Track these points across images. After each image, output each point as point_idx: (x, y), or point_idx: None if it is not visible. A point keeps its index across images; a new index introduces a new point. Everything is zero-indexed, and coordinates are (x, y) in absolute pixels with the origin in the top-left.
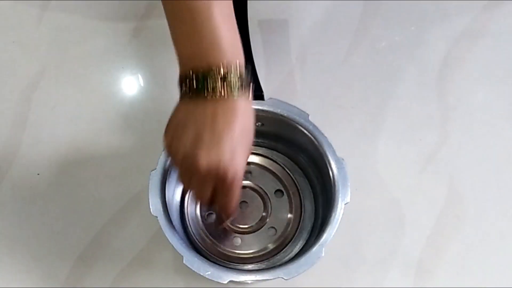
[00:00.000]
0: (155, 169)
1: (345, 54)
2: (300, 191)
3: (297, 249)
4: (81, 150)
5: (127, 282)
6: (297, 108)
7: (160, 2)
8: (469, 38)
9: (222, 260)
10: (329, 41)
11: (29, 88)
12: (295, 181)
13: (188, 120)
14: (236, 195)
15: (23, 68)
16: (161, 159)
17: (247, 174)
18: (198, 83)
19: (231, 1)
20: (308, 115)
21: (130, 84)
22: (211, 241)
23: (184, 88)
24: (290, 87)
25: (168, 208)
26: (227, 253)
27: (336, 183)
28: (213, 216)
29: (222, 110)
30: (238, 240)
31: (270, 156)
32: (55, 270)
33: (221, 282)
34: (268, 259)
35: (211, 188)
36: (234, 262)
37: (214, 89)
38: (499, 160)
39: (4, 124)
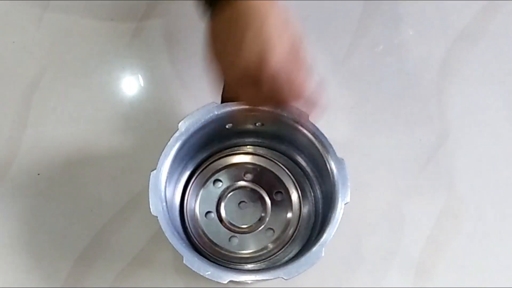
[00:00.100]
0: (155, 169)
1: (344, 55)
2: (299, 191)
3: (297, 249)
4: (82, 150)
5: (127, 282)
6: (297, 108)
7: (160, 3)
8: (469, 38)
9: (222, 260)
10: (329, 41)
11: (29, 88)
12: (295, 181)
13: (230, 27)
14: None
15: (23, 68)
16: (161, 159)
17: (247, 174)
18: None
19: None
20: (308, 115)
21: (130, 84)
22: (210, 241)
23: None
24: None
25: (168, 208)
26: (226, 253)
27: (336, 183)
28: (212, 215)
29: (253, 7)
30: (236, 240)
31: (270, 156)
32: (55, 270)
33: (221, 282)
34: (268, 259)
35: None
36: (233, 262)
37: None
38: (499, 160)
39: (4, 124)
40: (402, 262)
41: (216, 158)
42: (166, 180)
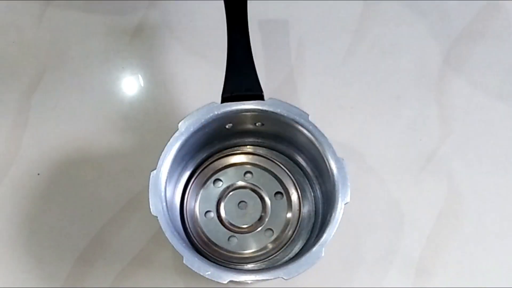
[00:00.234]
0: (155, 169)
1: (345, 54)
2: (299, 191)
3: (297, 249)
4: (81, 150)
5: (127, 282)
6: (297, 108)
7: (160, 2)
8: (469, 38)
9: (222, 260)
10: (329, 41)
11: (29, 88)
12: (295, 181)
13: None
14: None
15: (23, 68)
16: (161, 159)
17: (247, 174)
18: None
19: None
20: (308, 115)
21: (130, 84)
22: (209, 240)
23: None
24: (290, 87)
25: (168, 208)
26: (225, 252)
27: (336, 183)
28: (212, 215)
29: None
30: (235, 239)
31: (270, 156)
32: (55, 270)
33: (221, 282)
34: (268, 259)
35: None
36: (233, 262)
37: None
38: (499, 160)
39: (4, 124)
40: (402, 262)
41: (216, 158)
42: (166, 180)
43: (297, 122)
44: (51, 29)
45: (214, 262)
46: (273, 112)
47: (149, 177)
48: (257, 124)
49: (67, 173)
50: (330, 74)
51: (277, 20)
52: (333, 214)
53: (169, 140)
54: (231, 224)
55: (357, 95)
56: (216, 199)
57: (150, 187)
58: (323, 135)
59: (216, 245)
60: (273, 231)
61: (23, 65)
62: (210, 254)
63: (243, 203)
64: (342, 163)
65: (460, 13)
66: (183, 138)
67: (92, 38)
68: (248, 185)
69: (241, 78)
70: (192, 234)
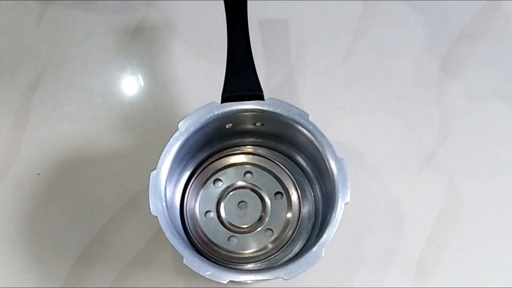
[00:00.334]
0: (155, 169)
1: (345, 54)
2: (299, 191)
3: (297, 249)
4: (81, 150)
5: (127, 282)
6: (297, 108)
7: (160, 2)
8: (469, 38)
9: (222, 260)
10: (329, 41)
11: (29, 88)
12: (295, 181)
13: None
14: None
15: (23, 68)
16: (161, 159)
17: (247, 174)
18: None
19: None
20: (308, 115)
21: (130, 84)
22: (209, 240)
23: None
24: (290, 87)
25: (168, 208)
26: (225, 252)
27: (336, 183)
28: (212, 215)
29: None
30: (235, 239)
31: (270, 156)
32: (55, 270)
33: (221, 282)
34: (268, 259)
35: None
36: (233, 262)
37: None
38: (499, 160)
39: (4, 124)
40: (402, 262)
41: (216, 158)
42: (166, 180)
43: (297, 122)
44: (51, 29)
45: (214, 262)
46: (273, 112)
47: (149, 177)
48: (257, 124)
49: (67, 173)
50: (330, 74)
51: (277, 20)
52: (333, 214)
53: (169, 140)
54: (231, 224)
55: (357, 95)
56: (216, 199)
57: (150, 187)
58: (323, 135)
59: (216, 245)
60: (273, 231)
61: (23, 65)
62: (210, 254)
63: (243, 203)
64: (342, 163)
65: (460, 13)
66: (183, 138)
67: (92, 38)
68: (248, 185)
69: (241, 78)
70: (192, 234)
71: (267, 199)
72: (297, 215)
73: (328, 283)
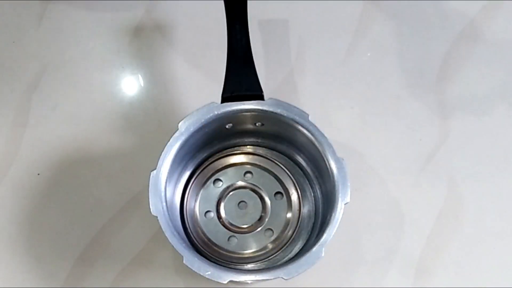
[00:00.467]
0: (155, 169)
1: (345, 54)
2: (299, 191)
3: (297, 249)
4: (81, 150)
5: (127, 282)
6: (297, 108)
7: (160, 2)
8: (469, 38)
9: (222, 260)
10: (329, 41)
11: (29, 88)
12: (295, 181)
13: None
14: None
15: (23, 68)
16: (161, 159)
17: (247, 174)
18: None
19: None
20: (308, 115)
21: (130, 84)
22: (209, 240)
23: None
24: (290, 87)
25: (168, 208)
26: (225, 252)
27: (336, 183)
28: (212, 215)
29: None
30: (235, 239)
31: (270, 156)
32: (55, 270)
33: (221, 282)
34: (268, 259)
35: None
36: (233, 262)
37: None
38: (499, 160)
39: (4, 124)
40: (402, 262)
41: (216, 158)
42: (166, 180)
43: (297, 122)
44: (51, 29)
45: (214, 262)
46: (273, 112)
47: (149, 177)
48: (257, 124)
49: (67, 173)
50: (330, 74)
51: (277, 20)
52: (333, 214)
53: (169, 140)
54: (231, 224)
55: (357, 95)
56: (216, 199)
57: (150, 187)
58: (323, 135)
59: (216, 245)
60: (273, 231)
61: (23, 65)
62: (210, 254)
63: (243, 203)
64: (342, 163)
65: (460, 13)
66: (183, 138)
67: (92, 38)
68: (248, 185)
69: (241, 78)
70: (192, 234)
71: (267, 199)
72: (297, 215)
73: (328, 283)
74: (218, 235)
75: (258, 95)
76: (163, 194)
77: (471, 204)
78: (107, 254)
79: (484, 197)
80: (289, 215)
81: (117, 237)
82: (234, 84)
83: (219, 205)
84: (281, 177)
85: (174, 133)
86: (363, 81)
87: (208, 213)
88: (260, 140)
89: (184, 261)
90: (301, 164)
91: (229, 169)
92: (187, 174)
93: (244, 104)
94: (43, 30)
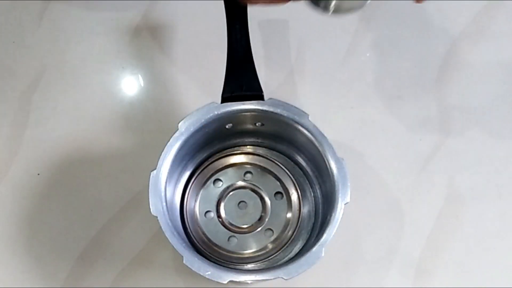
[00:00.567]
0: (155, 169)
1: (345, 54)
2: (299, 191)
3: (297, 249)
4: (81, 150)
5: (127, 282)
6: (297, 108)
7: (160, 2)
8: (469, 38)
9: (222, 260)
10: (329, 41)
11: (30, 88)
12: (295, 181)
13: None
14: None
15: (23, 68)
16: (161, 159)
17: (247, 174)
18: None
19: None
20: (308, 115)
21: (130, 84)
22: (209, 240)
23: None
24: (290, 87)
25: (168, 208)
26: (225, 253)
27: (336, 183)
28: (212, 215)
29: None
30: (235, 240)
31: (270, 157)
32: (55, 270)
33: (221, 282)
34: (268, 259)
35: None
36: (233, 262)
37: None
38: (498, 160)
39: (4, 124)
40: (402, 262)
41: (216, 158)
42: (166, 180)
43: (297, 122)
44: (51, 29)
45: (214, 262)
46: (273, 112)
47: (149, 177)
48: (257, 124)
49: (67, 173)
50: (330, 74)
51: (277, 20)
52: (333, 214)
53: (169, 140)
54: (231, 224)
55: (357, 95)
56: (216, 199)
57: (150, 187)
58: (323, 135)
59: (216, 245)
60: (273, 231)
61: (23, 65)
62: (210, 254)
63: (243, 203)
64: (342, 163)
65: (460, 13)
66: (183, 138)
67: (92, 37)
68: (248, 185)
69: (241, 78)
70: (192, 234)
71: (267, 199)
72: (297, 215)
73: (328, 283)
74: (218, 235)
75: (258, 95)
76: (163, 194)
77: (471, 204)
78: (107, 254)
79: (484, 197)
80: (289, 215)
81: (117, 237)
82: (234, 84)
83: (219, 205)
84: (281, 177)
85: (174, 133)
86: (363, 81)
87: (208, 213)
88: (260, 140)
89: (184, 261)
90: (301, 164)
91: (229, 169)
92: (187, 174)
93: (244, 104)
94: (43, 30)
